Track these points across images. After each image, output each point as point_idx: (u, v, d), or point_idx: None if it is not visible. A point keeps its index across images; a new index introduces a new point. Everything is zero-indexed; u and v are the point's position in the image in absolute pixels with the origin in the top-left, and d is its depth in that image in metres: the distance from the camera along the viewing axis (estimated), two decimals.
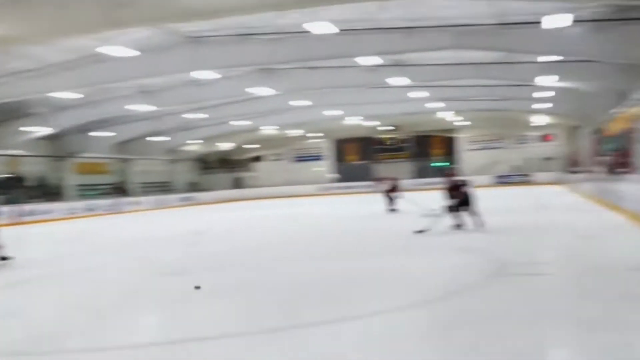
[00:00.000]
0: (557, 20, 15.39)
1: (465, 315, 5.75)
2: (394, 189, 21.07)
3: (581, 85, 24.88)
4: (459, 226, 13.07)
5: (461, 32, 17.87)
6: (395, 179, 22.15)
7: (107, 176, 40.54)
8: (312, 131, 48.25)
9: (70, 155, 36.28)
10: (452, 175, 14.18)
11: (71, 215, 29.74)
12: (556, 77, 22.94)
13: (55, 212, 29.43)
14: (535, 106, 35.81)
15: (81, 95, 24.54)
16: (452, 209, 13.12)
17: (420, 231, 12.45)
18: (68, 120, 29.13)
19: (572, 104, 30.43)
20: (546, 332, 5.13)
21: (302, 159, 53.48)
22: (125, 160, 41.98)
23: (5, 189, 31.54)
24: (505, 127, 46.64)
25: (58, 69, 20.23)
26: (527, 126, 45.86)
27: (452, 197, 13.22)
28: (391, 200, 20.80)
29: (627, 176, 15.17)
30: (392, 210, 20.51)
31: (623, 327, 5.03)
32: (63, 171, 36.11)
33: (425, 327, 5.47)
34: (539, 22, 16.11)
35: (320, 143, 52.47)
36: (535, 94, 29.77)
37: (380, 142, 51.27)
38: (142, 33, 17.35)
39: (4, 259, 11.70)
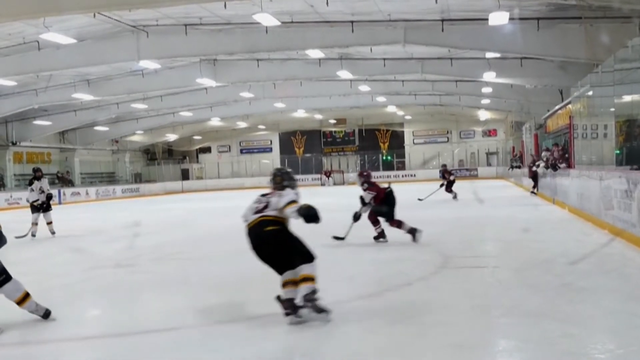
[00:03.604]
0: (499, 18, 15.64)
1: (409, 307, 5.82)
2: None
3: (523, 82, 25.38)
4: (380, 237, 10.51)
5: (407, 26, 18.00)
6: (342, 171, 22.45)
7: (49, 166, 39.56)
8: (259, 123, 48.08)
9: (10, 144, 35.31)
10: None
11: (11, 206, 28.96)
12: (494, 74, 23.33)
13: None
14: (480, 102, 36.41)
15: (15, 83, 23.88)
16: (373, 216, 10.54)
17: (338, 238, 10.44)
18: (7, 108, 28.27)
19: (515, 100, 31.05)
20: (489, 323, 5.26)
21: (249, 151, 53.24)
22: (68, 149, 41.05)
23: None
24: (450, 121, 47.37)
25: None
26: (472, 121, 46.65)
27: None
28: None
29: (567, 171, 15.57)
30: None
31: (563, 318, 5.17)
32: (3, 160, 35.12)
33: (369, 319, 5.48)
34: (482, 19, 16.36)
35: (268, 135, 52.32)
36: (480, 90, 30.24)
37: (327, 135, 51.41)
38: (82, 20, 16.97)
39: None
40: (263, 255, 5.45)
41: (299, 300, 5.26)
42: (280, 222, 5.45)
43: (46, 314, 5.75)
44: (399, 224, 10.14)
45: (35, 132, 35.60)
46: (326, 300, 5.72)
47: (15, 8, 12.38)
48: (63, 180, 38.73)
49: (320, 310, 5.28)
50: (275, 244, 5.39)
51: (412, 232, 10.07)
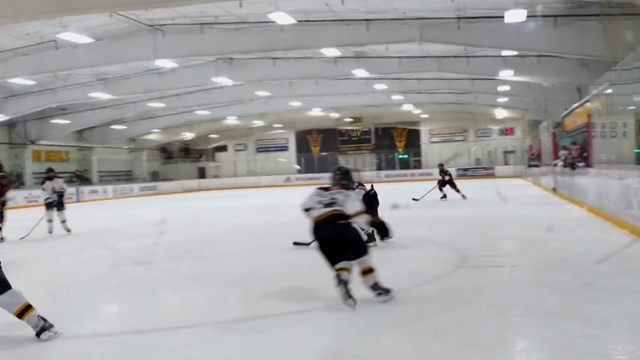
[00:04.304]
0: (516, 15, 15.53)
1: (426, 306, 5.78)
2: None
3: (541, 80, 25.20)
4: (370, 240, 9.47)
5: (422, 25, 17.94)
6: (358, 170, 22.31)
7: (68, 164, 39.86)
8: (275, 122, 48.13)
9: (29, 142, 35.62)
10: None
11: (30, 204, 29.18)
12: (511, 72, 23.16)
13: (14, 200, 28.85)
14: (497, 100, 36.21)
15: (34, 82, 24.08)
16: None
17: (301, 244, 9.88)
18: (26, 107, 28.53)
19: (533, 98, 30.86)
20: (507, 323, 5.20)
21: (265, 149, 53.30)
22: (85, 148, 41.35)
23: None
24: (467, 120, 47.14)
25: (13, 55, 19.85)
26: (489, 119, 46.40)
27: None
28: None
29: (586, 170, 15.42)
30: None
31: (582, 318, 5.11)
32: (22, 159, 35.43)
33: (387, 318, 5.47)
34: (498, 17, 16.27)
35: (284, 134, 52.34)
36: (497, 88, 30.08)
37: (343, 133, 51.35)
38: (99, 19, 17.08)
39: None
40: (332, 245, 5.93)
41: (368, 288, 5.84)
42: (348, 217, 6.02)
43: (42, 330, 5.11)
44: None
45: (53, 130, 35.88)
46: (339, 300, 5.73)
47: (33, 8, 12.46)
48: (81, 178, 39.01)
49: (387, 291, 5.86)
50: (345, 236, 5.93)
51: (384, 234, 9.69)
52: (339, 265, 5.84)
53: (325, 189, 6.35)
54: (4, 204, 13.52)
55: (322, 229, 6.02)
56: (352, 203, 6.09)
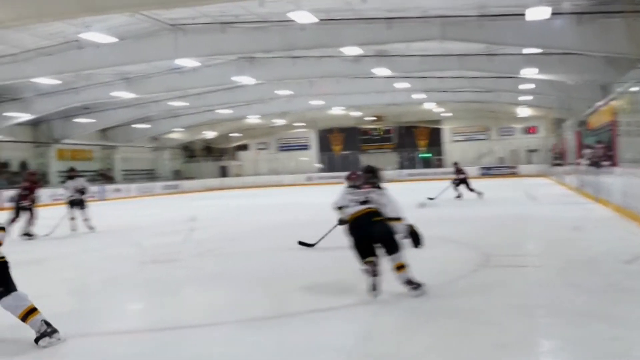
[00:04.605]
0: (539, 13, 15.37)
1: (449, 306, 5.74)
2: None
3: (564, 78, 24.94)
4: None
5: (444, 23, 17.82)
6: (380, 169, 22.13)
7: (91, 163, 40.29)
8: (297, 121, 48.18)
9: (53, 141, 36.02)
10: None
11: (55, 202, 29.49)
12: (536, 70, 22.93)
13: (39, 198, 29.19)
14: (520, 98, 35.92)
15: (59, 82, 24.32)
16: None
17: (306, 244, 10.00)
18: (50, 106, 28.88)
19: (556, 97, 30.53)
20: (531, 323, 5.13)
21: (286, 148, 53.37)
22: (109, 147, 41.72)
23: None
24: (489, 118, 46.82)
25: (36, 55, 20.06)
26: (511, 118, 46.04)
27: None
28: None
29: (611, 169, 15.23)
30: None
31: (608, 319, 5.03)
32: (46, 157, 35.83)
33: (411, 317, 5.46)
34: (521, 15, 16.11)
35: (305, 133, 52.38)
36: (519, 86, 29.84)
37: (365, 132, 51.24)
38: (121, 19, 17.20)
39: (31, 235, 13.47)
40: (367, 242, 6.11)
41: (402, 283, 6.03)
42: (382, 214, 6.23)
43: (41, 335, 4.89)
44: None
45: (77, 129, 36.25)
46: (365, 299, 5.70)
47: (56, 8, 12.57)
48: (105, 177, 39.37)
49: (420, 285, 6.03)
50: (379, 232, 6.12)
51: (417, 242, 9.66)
52: (369, 258, 6.05)
53: (356, 187, 6.59)
54: (34, 201, 13.73)
55: (358, 225, 6.22)
56: (392, 206, 6.29)
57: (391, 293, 6.09)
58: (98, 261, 10.19)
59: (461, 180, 20.41)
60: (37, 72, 21.25)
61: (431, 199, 19.31)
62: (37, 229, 13.77)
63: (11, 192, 27.19)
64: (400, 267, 6.06)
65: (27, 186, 13.93)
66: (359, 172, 9.93)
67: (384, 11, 17.31)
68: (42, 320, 4.93)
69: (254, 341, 4.92)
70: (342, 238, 9.16)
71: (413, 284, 6.03)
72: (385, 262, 6.09)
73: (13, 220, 13.47)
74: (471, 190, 20.13)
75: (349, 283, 6.81)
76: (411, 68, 24.81)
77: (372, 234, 6.13)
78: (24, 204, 13.62)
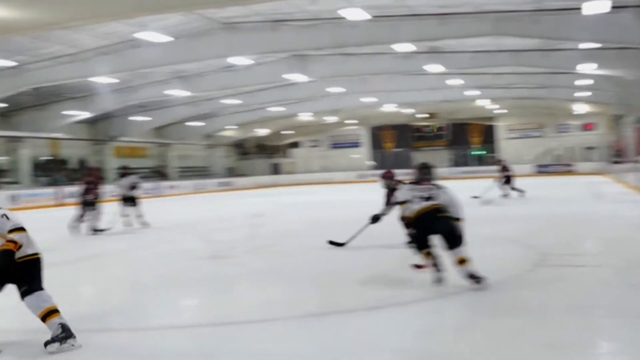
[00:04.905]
0: (597, 6, 14.98)
1: (503, 305, 5.68)
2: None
3: (623, 73, 24.25)
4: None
5: (498, 18, 17.54)
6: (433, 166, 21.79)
7: (146, 160, 41.11)
8: (348, 118, 48.13)
9: (110, 139, 36.87)
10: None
11: (112, 198, 30.17)
12: (595, 65, 22.36)
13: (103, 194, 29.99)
14: (576, 94, 35.11)
15: (117, 80, 24.86)
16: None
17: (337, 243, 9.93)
18: (108, 104, 29.56)
19: (615, 92, 29.72)
20: (589, 324, 5.04)
21: (338, 145, 53.36)
22: (164, 144, 42.49)
23: (47, 171, 32.36)
24: (544, 115, 45.87)
25: (94, 54, 20.54)
26: (567, 114, 45.02)
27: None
28: None
29: None
30: None
31: None
32: (103, 154, 36.70)
33: (467, 315, 5.44)
34: (578, 9, 15.73)
35: (357, 130, 52.28)
36: (576, 82, 29.16)
37: (417, 129, 50.84)
38: (176, 19, 17.48)
39: (99, 230, 13.80)
40: (433, 233, 6.46)
41: (464, 276, 6.19)
42: (445, 211, 6.54)
43: (52, 340, 4.67)
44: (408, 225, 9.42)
45: (133, 127, 37.02)
46: (420, 296, 5.65)
47: (112, 8, 12.81)
48: (160, 174, 40.09)
49: (482, 279, 6.17)
50: (444, 228, 6.40)
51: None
52: (428, 249, 6.48)
53: (417, 184, 6.85)
54: (98, 196, 14.14)
55: (425, 221, 6.53)
56: (455, 206, 6.60)
57: (448, 290, 6.05)
58: (153, 257, 10.38)
59: (507, 178, 19.99)
60: (95, 71, 21.78)
61: (475, 197, 18.86)
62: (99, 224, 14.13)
63: (71, 189, 28.23)
64: (462, 261, 6.24)
65: (90, 180, 14.35)
66: (392, 171, 9.97)
67: (437, 7, 17.13)
68: (59, 324, 4.74)
69: (309, 338, 4.95)
70: (393, 236, 9.17)
71: (475, 278, 6.16)
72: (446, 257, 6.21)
73: (80, 217, 13.91)
74: (513, 188, 19.72)
75: (404, 280, 6.79)
76: (464, 64, 24.51)
77: (436, 229, 6.43)
78: (89, 198, 13.97)
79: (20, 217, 4.89)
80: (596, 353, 4.43)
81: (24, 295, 4.79)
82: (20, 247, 4.77)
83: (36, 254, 4.97)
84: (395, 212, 9.28)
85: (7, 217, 4.81)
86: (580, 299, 5.80)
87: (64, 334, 4.69)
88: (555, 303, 5.67)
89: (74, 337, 4.72)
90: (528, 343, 4.54)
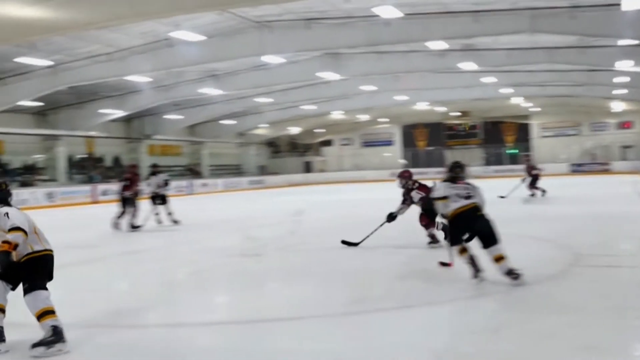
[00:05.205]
0: (637, 2, 14.67)
1: (538, 305, 5.63)
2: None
3: None
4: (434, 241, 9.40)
5: (534, 15, 17.32)
6: (466, 165, 21.57)
7: (180, 158, 41.51)
8: (381, 116, 47.97)
9: (145, 137, 37.31)
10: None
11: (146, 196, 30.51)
12: (631, 63, 21.94)
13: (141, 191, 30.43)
14: (614, 92, 34.52)
15: (151, 79, 25.12)
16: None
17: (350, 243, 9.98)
18: (142, 103, 29.91)
19: None
20: (625, 326, 4.97)
21: (371, 144, 53.22)
22: (197, 142, 42.84)
23: (82, 169, 32.89)
24: (580, 113, 45.15)
25: (130, 53, 20.79)
26: (604, 112, 44.28)
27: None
28: None
29: None
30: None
31: None
32: (138, 152, 37.13)
33: (501, 315, 5.42)
34: (617, 4, 15.45)
35: (389, 128, 52.09)
36: (614, 79, 28.68)
37: (450, 127, 50.46)
38: (209, 18, 17.61)
39: (136, 227, 14.09)
40: (472, 231, 6.57)
41: (502, 273, 6.30)
42: (482, 209, 6.74)
43: (39, 343, 4.58)
44: (428, 225, 9.31)
45: (167, 125, 37.40)
46: (451, 296, 5.62)
47: (147, 8, 12.97)
48: (193, 172, 40.44)
49: (520, 275, 6.25)
50: (483, 226, 6.54)
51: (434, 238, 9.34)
52: (464, 245, 6.58)
53: (453, 181, 6.93)
54: (137, 193, 14.39)
55: (465, 219, 6.62)
56: (484, 203, 6.80)
57: (482, 290, 6.02)
58: (186, 254, 10.50)
59: (534, 177, 19.65)
60: (130, 70, 22.05)
61: (502, 197, 18.64)
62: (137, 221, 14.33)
63: (106, 186, 28.66)
64: (500, 259, 6.34)
65: (129, 177, 14.65)
66: (410, 170, 10.07)
67: (471, 4, 16.99)
68: (52, 326, 4.64)
69: (337, 337, 4.95)
70: (423, 235, 9.12)
71: (513, 274, 6.24)
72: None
73: (121, 215, 14.20)
74: (536, 187, 19.40)
75: (437, 279, 6.77)
76: (498, 62, 24.27)
77: (476, 227, 6.55)
78: (127, 194, 14.23)
79: (22, 218, 4.82)
80: (633, 355, 4.37)
81: (24, 293, 4.78)
82: (15, 246, 4.71)
83: (44, 250, 4.93)
84: (411, 211, 9.40)
85: (8, 216, 4.79)
86: (616, 300, 5.70)
87: (53, 338, 4.60)
88: (590, 304, 5.60)
89: (64, 341, 4.63)
90: (563, 344, 4.50)
